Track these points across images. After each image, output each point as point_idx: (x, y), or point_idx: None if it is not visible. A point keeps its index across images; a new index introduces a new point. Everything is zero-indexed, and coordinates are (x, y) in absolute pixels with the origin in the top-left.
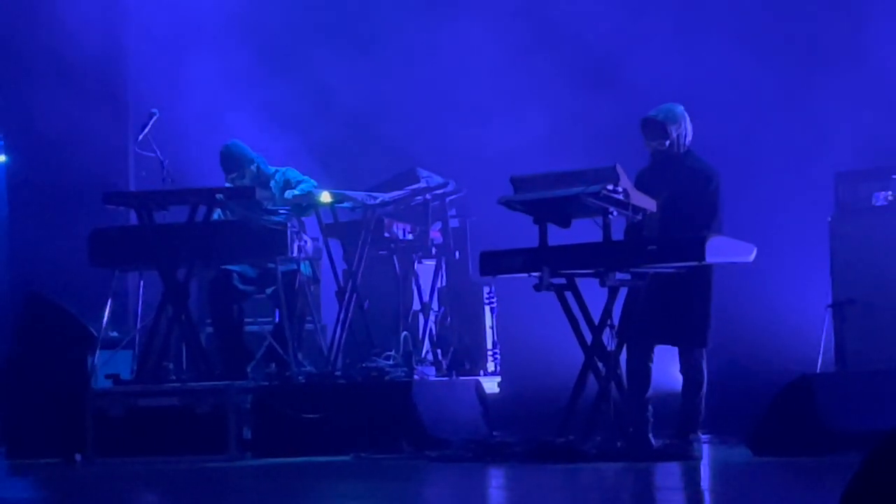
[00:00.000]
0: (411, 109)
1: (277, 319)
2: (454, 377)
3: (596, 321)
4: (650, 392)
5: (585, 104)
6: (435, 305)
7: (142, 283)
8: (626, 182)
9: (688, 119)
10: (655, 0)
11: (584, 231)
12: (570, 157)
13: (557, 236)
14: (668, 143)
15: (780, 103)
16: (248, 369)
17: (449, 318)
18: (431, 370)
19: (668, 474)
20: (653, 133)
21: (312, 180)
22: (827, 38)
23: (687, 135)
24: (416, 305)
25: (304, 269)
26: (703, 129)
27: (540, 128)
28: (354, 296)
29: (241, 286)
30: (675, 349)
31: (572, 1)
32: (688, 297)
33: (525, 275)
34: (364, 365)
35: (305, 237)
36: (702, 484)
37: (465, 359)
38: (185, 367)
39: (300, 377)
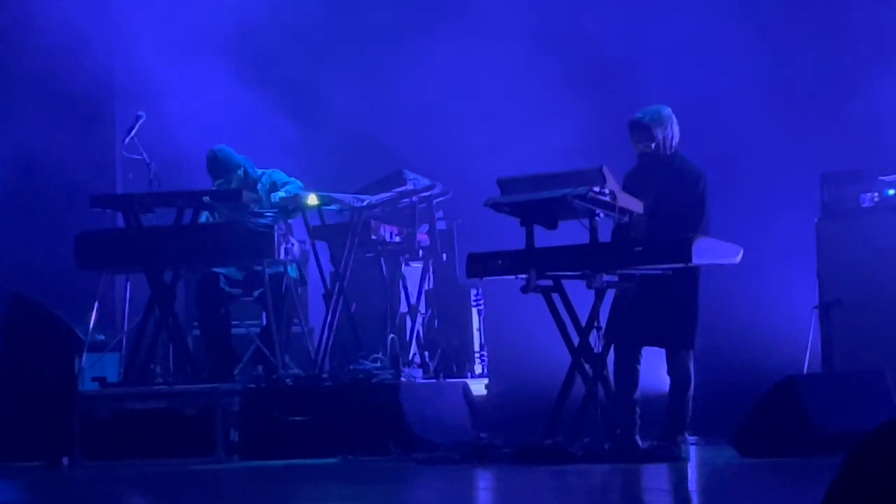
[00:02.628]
0: (398, 111)
1: (264, 322)
2: (441, 379)
3: (583, 323)
4: (637, 393)
5: (574, 105)
6: (422, 308)
7: (129, 285)
8: (612, 184)
9: (675, 121)
10: (635, 3)
11: (570, 233)
12: (558, 159)
13: (544, 238)
14: (653, 145)
15: (766, 105)
16: (236, 372)
17: (436, 321)
18: (419, 372)
19: (655, 475)
20: (639, 135)
21: (299, 182)
22: (814, 41)
23: (674, 137)
24: (404, 308)
25: (291, 271)
26: (691, 130)
27: (527, 129)
28: (341, 298)
29: (227, 289)
30: (663, 351)
31: (562, 5)
32: (674, 299)
33: (512, 277)
34: (351, 367)
35: (292, 240)
36: (689, 485)
37: (453, 361)
38: (172, 369)
39: (287, 379)
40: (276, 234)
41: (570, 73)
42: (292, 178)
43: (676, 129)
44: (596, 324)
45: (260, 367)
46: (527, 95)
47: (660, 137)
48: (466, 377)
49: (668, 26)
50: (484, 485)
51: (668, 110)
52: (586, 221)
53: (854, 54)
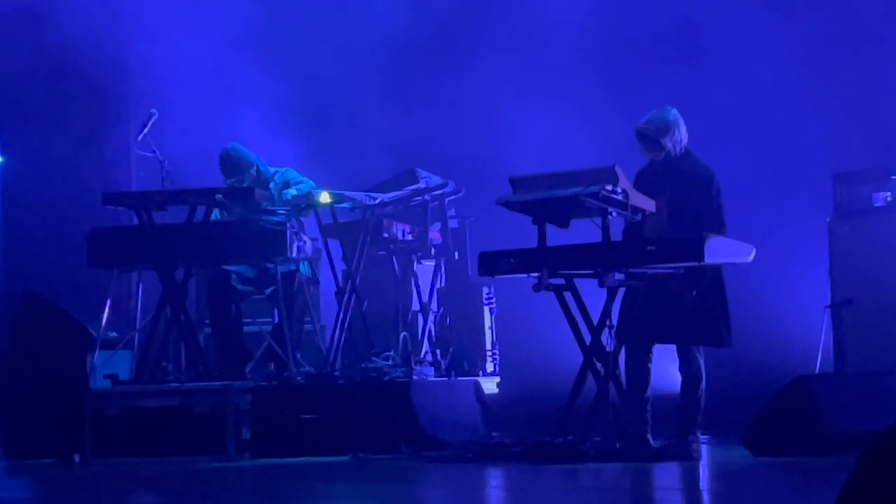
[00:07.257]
0: (411, 110)
1: (276, 320)
2: (453, 378)
3: (595, 321)
4: (649, 392)
5: (585, 104)
6: (434, 306)
7: (140, 283)
8: (624, 182)
9: (681, 122)
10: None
11: (583, 232)
12: (571, 157)
13: (556, 236)
14: (663, 154)
15: (778, 104)
16: (247, 370)
17: (448, 319)
18: (430, 371)
19: (666, 475)
20: (647, 145)
21: (311, 181)
22: (827, 41)
23: (682, 139)
24: (416, 306)
25: (304, 269)
26: (704, 130)
27: (540, 128)
28: (353, 296)
29: (239, 286)
30: (674, 350)
31: (573, 5)
32: (705, 297)
33: (524, 275)
34: (363, 365)
35: (304, 237)
36: (700, 484)
37: (464, 359)
38: (183, 367)
39: (299, 377)
40: (288, 232)
41: (580, 72)
42: (304, 177)
43: (684, 130)
44: (608, 322)
45: (271, 365)
46: (539, 93)
47: (668, 145)
48: (478, 375)
49: (678, 26)
50: (495, 483)
51: (672, 113)
52: (598, 220)
53: (868, 54)
